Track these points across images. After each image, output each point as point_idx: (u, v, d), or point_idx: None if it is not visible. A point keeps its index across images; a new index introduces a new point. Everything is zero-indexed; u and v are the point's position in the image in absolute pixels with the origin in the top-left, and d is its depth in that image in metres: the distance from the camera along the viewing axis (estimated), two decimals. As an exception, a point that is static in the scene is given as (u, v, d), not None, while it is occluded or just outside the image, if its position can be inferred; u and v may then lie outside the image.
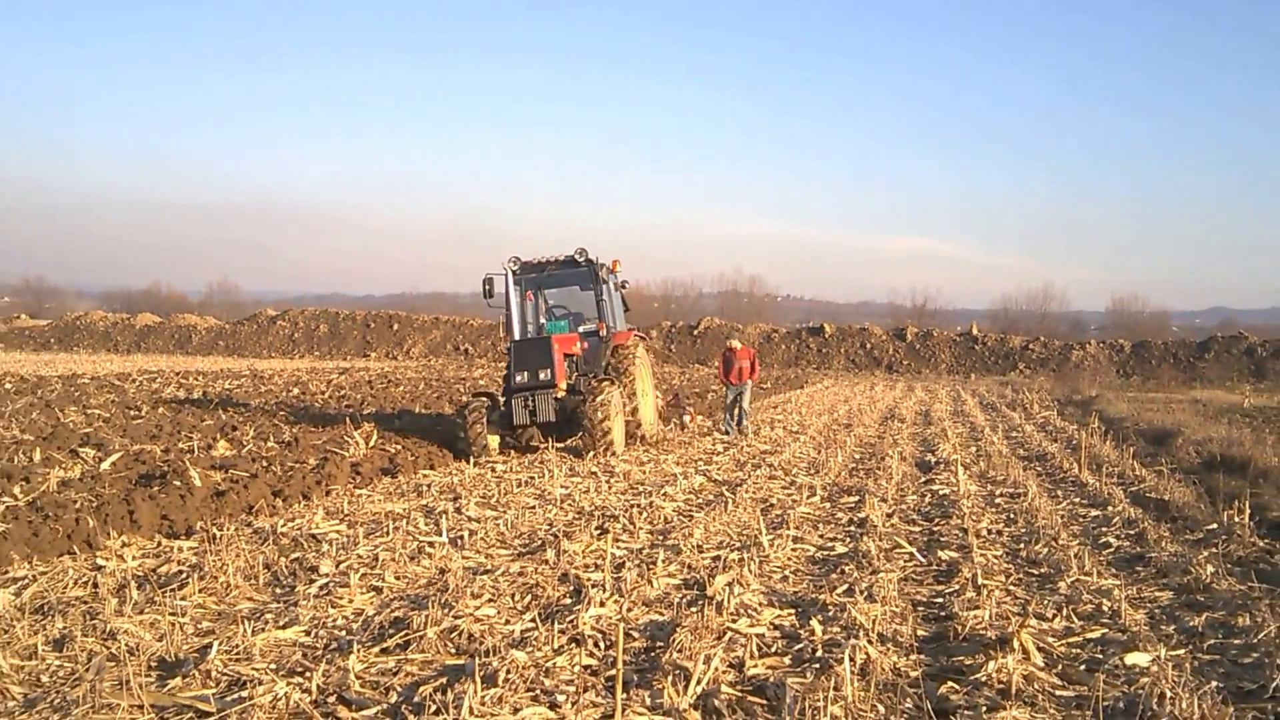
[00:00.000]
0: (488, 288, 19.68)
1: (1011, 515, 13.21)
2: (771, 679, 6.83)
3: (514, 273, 19.72)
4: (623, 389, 19.43)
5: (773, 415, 29.11)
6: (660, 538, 11.44)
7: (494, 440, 18.80)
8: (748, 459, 18.96)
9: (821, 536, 11.78)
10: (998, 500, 14.52)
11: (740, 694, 6.57)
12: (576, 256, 19.57)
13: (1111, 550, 11.23)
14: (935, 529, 12.29)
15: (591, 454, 18.07)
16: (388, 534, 11.16)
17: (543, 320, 21.13)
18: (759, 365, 24.32)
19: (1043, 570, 10.21)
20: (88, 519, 11.10)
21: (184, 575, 9.34)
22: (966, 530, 11.70)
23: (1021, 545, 11.37)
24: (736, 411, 22.83)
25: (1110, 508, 13.73)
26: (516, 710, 6.13)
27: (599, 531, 11.51)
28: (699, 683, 6.55)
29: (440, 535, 11.03)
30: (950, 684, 6.81)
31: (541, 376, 18.46)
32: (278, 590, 9.17)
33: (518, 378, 18.60)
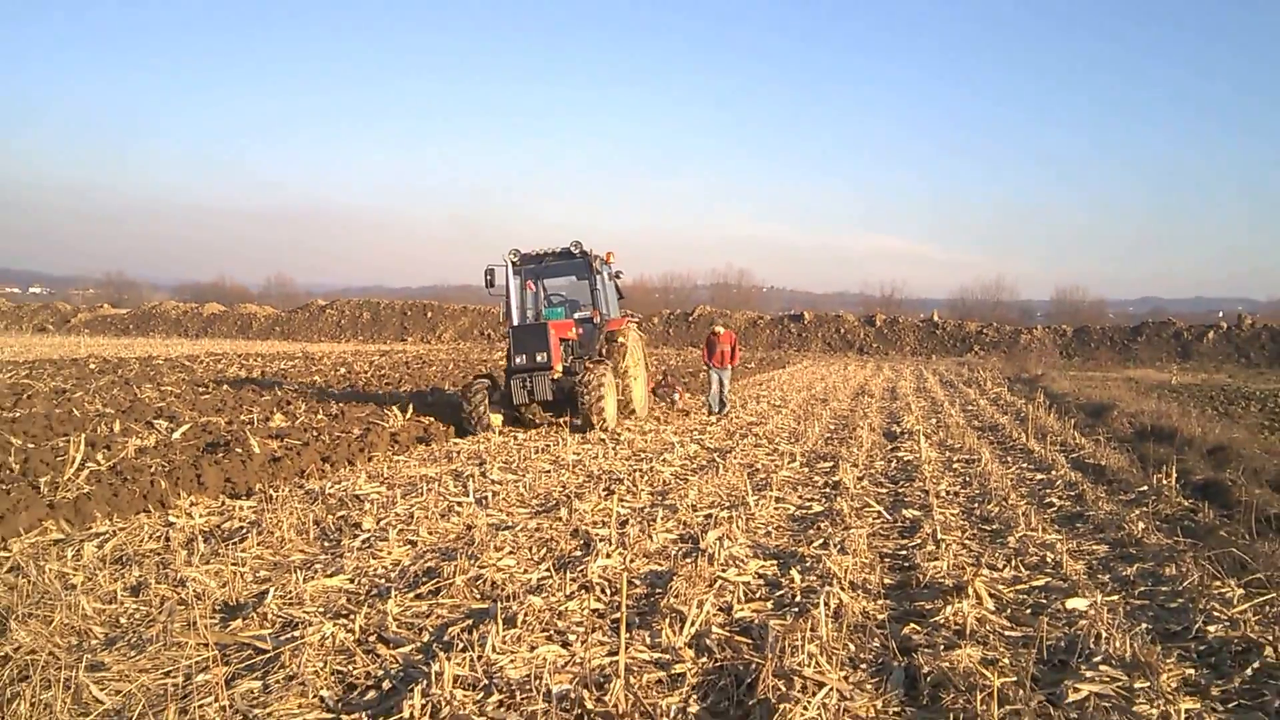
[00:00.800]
0: (489, 278, 18.95)
1: (967, 479, 13.18)
2: (756, 621, 6.82)
3: (513, 264, 19.04)
4: (615, 370, 18.76)
5: (758, 391, 29.06)
6: (660, 498, 11.40)
7: (496, 418, 18.14)
8: (736, 429, 18.89)
9: (800, 497, 11.74)
10: (955, 465, 14.49)
11: (729, 634, 6.54)
12: (572, 248, 19.00)
13: (1054, 509, 11.20)
14: (900, 490, 12.25)
15: (586, 429, 17.65)
16: (422, 495, 11.13)
17: (542, 307, 20.46)
18: (739, 349, 23.18)
19: (994, 527, 10.18)
20: (161, 481, 11.09)
21: (244, 531, 9.32)
22: (928, 492, 11.67)
23: (975, 505, 11.34)
24: (719, 391, 21.82)
25: (1053, 472, 13.72)
26: (533, 648, 6.11)
27: (606, 493, 11.48)
28: (693, 624, 6.53)
29: (467, 496, 11.00)
30: (913, 625, 6.79)
31: (539, 359, 17.89)
32: (325, 544, 9.15)
33: (517, 360, 18.01)
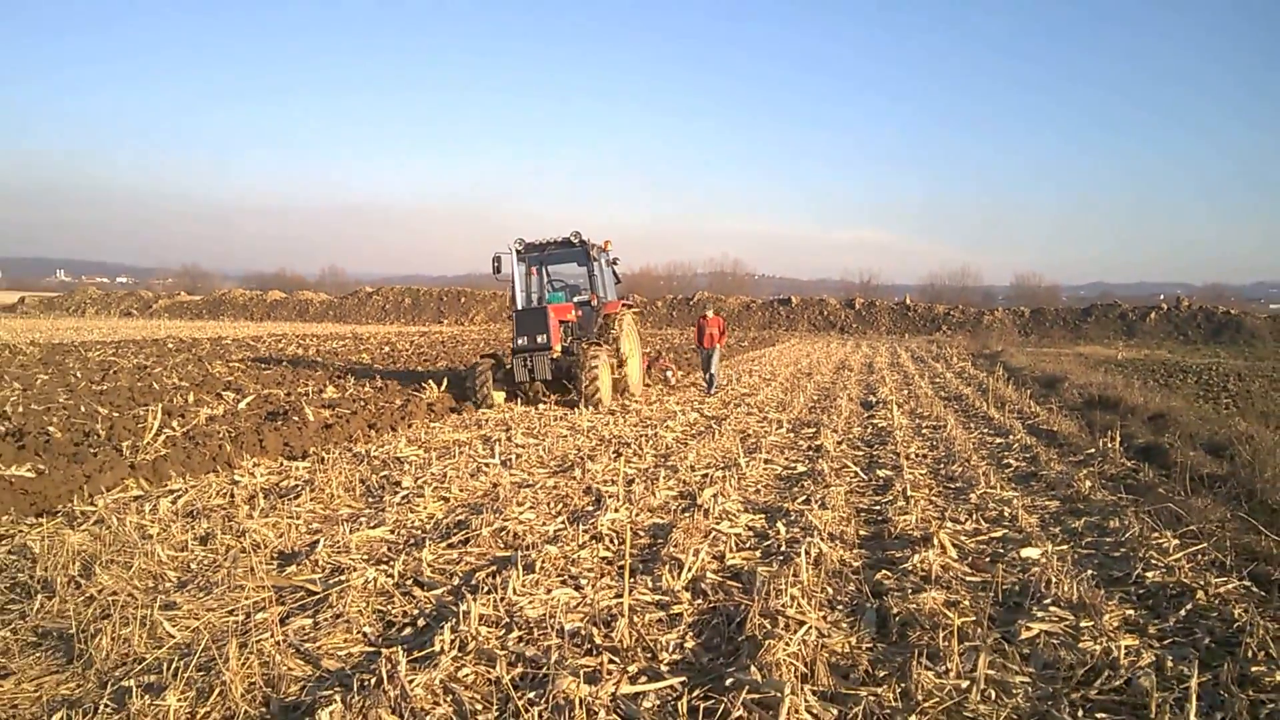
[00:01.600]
0: (496, 264, 17.98)
1: (934, 443, 13.09)
2: (745, 568, 6.79)
3: (518, 252, 18.33)
4: (611, 351, 18.09)
5: (750, 367, 28.92)
6: (663, 460, 11.35)
7: (498, 395, 17.50)
8: (731, 400, 18.80)
9: (786, 459, 11.66)
10: (923, 431, 14.39)
11: (721, 579, 6.52)
12: (572, 238, 18.22)
13: (1011, 469, 11.11)
14: (875, 453, 12.17)
15: (585, 406, 16.76)
16: (454, 457, 11.11)
17: (545, 292, 19.76)
18: (726, 332, 21.98)
19: (958, 485, 10.11)
20: (227, 445, 11.10)
21: (299, 488, 9.31)
22: (899, 454, 11.57)
23: (941, 466, 11.26)
24: (708, 370, 20.58)
25: (1011, 436, 13.62)
26: (549, 591, 6.10)
27: (615, 455, 11.43)
28: (689, 570, 6.51)
29: (494, 458, 10.97)
30: (884, 572, 6.75)
31: (539, 340, 17.18)
32: (370, 500, 9.13)
33: (519, 341, 17.31)
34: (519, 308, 18.12)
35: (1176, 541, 7.36)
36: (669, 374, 22.65)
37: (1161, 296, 75.46)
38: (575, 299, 19.48)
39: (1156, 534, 7.65)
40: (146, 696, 4.28)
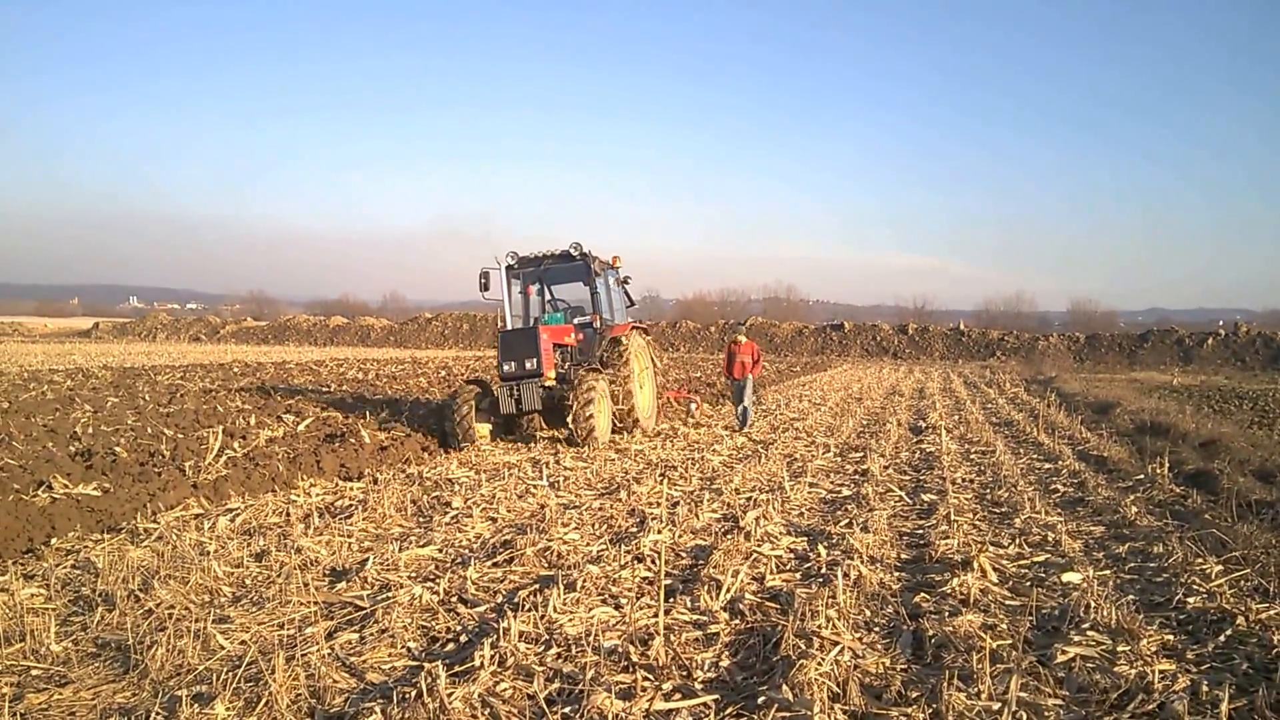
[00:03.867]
0: (484, 281, 15.81)
1: (981, 467, 12.98)
2: (785, 589, 6.79)
3: (510, 267, 16.07)
4: (614, 379, 15.77)
5: (801, 392, 28.81)
6: (708, 483, 11.37)
7: (483, 428, 15.20)
8: (780, 424, 18.74)
9: (832, 483, 11.64)
10: (972, 456, 14.27)
11: (760, 600, 6.53)
12: (571, 250, 15.77)
13: (1059, 495, 10.99)
14: (921, 478, 12.10)
15: (577, 443, 14.73)
16: (503, 479, 11.23)
17: (545, 313, 17.21)
18: (762, 360, 18.75)
19: (1003, 510, 10.01)
20: (285, 466, 11.33)
21: (352, 508, 9.47)
22: (945, 479, 11.51)
23: (988, 490, 11.16)
24: (742, 407, 17.88)
25: (1060, 462, 13.46)
26: (589, 610, 6.15)
27: (661, 478, 11.49)
28: (728, 591, 6.54)
29: (542, 480, 11.07)
30: (923, 594, 6.71)
31: (528, 366, 14.83)
32: (420, 519, 9.26)
33: (505, 367, 14.96)
34: (508, 329, 15.97)
35: (1220, 568, 7.24)
36: (693, 406, 20.47)
37: (1220, 323, 73.88)
38: (576, 320, 17.11)
39: (1200, 560, 7.52)
40: (196, 705, 4.41)
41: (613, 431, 15.70)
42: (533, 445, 15.14)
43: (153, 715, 4.34)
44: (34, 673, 5.13)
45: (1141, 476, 11.83)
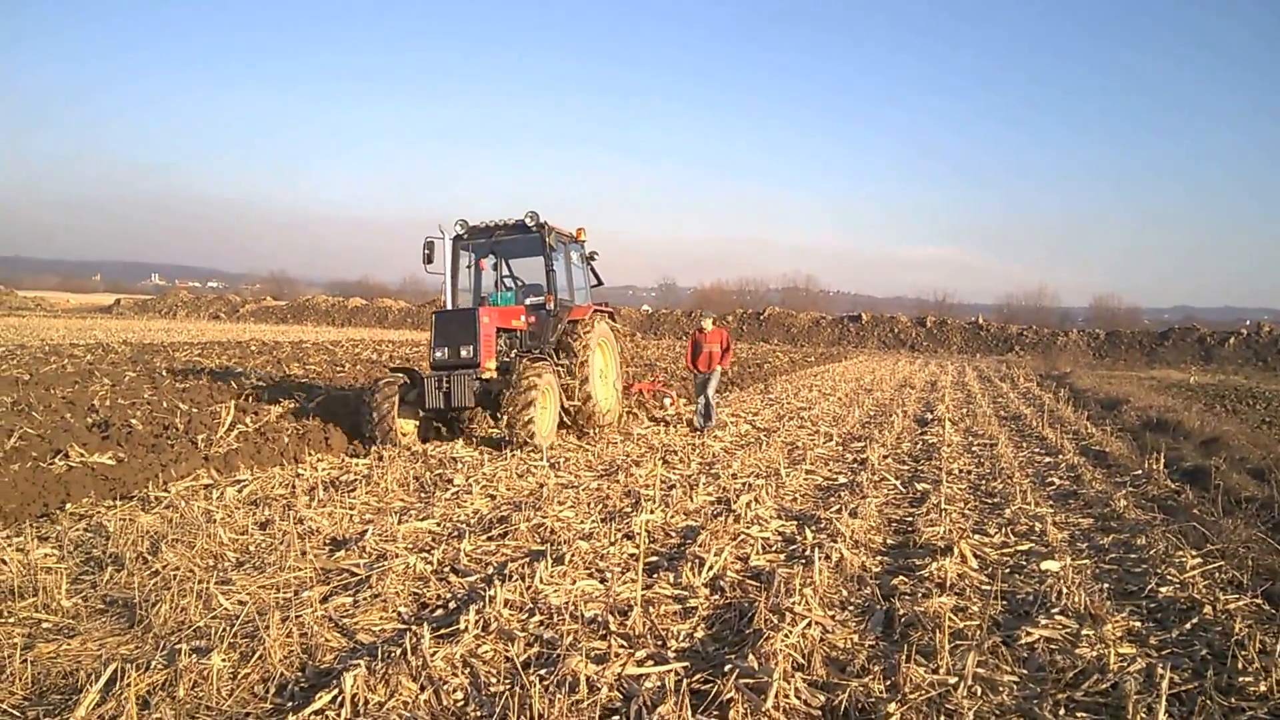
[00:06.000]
0: (427, 253, 13.80)
1: (981, 459, 13.15)
2: (768, 569, 7.04)
3: (458, 237, 14.24)
4: (569, 369, 13.86)
5: (812, 382, 28.92)
6: (707, 468, 11.60)
7: (408, 425, 13.10)
8: (787, 413, 18.92)
9: (829, 470, 11.86)
10: (974, 448, 14.43)
11: (742, 578, 6.78)
12: (526, 220, 13.78)
13: (1053, 487, 11.14)
14: (919, 468, 12.28)
15: (512, 444, 12.43)
16: (506, 459, 11.52)
17: (495, 292, 15.26)
18: (732, 350, 16.50)
19: (995, 500, 10.19)
20: (294, 442, 11.65)
21: (356, 482, 9.78)
22: (942, 469, 11.71)
23: (983, 481, 11.34)
24: (703, 402, 15.63)
25: (1060, 456, 13.60)
26: (574, 582, 6.43)
27: (661, 461, 11.74)
28: (710, 569, 6.79)
29: (543, 460, 11.36)
30: (901, 577, 6.93)
31: (463, 354, 12.86)
32: (421, 495, 9.56)
33: (436, 354, 13.07)
34: (448, 309, 14.14)
35: (1198, 560, 7.43)
36: (667, 401, 18.11)
37: (1248, 321, 73.42)
38: (528, 300, 15.07)
39: (1180, 552, 7.72)
40: (194, 656, 4.70)
41: (571, 430, 14.29)
42: (466, 441, 13.44)
43: (153, 664, 4.64)
44: (44, 625, 5.46)
45: (1139, 472, 11.98)
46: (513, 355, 13.67)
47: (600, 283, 16.28)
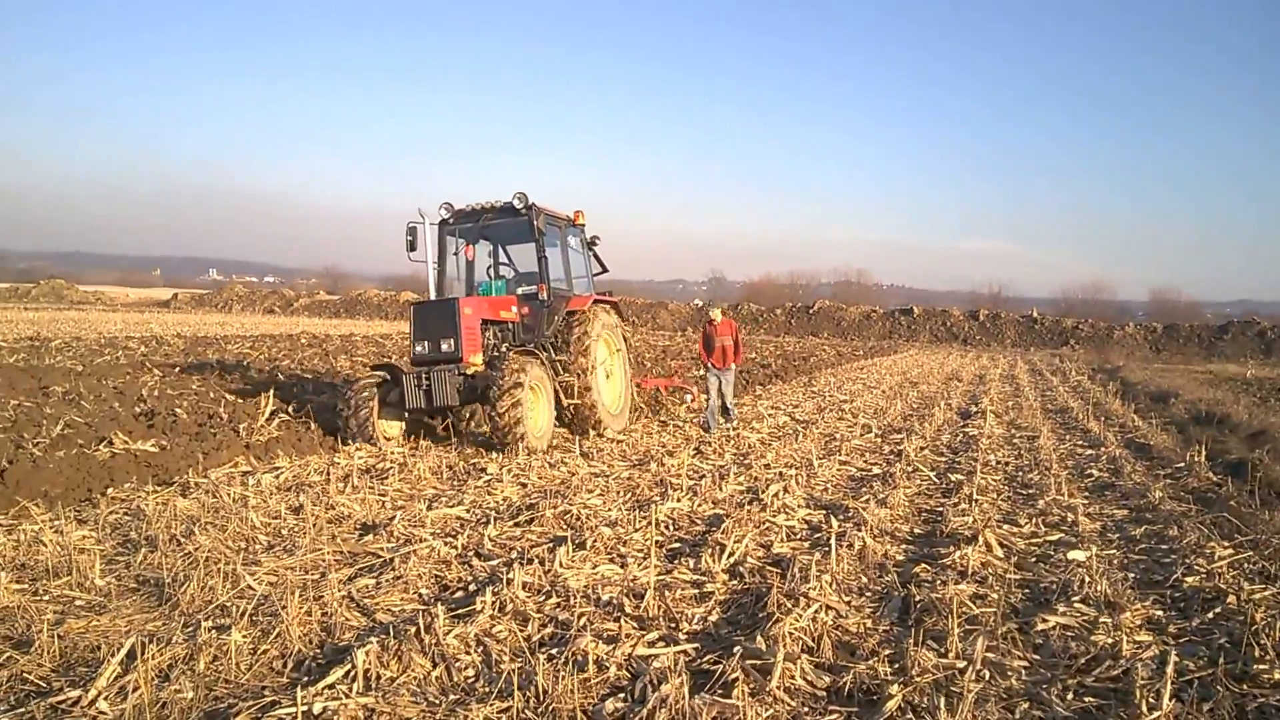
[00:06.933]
0: (411, 239, 12.93)
1: (1020, 451, 13.05)
2: (789, 556, 7.08)
3: (444, 222, 13.43)
4: (567, 366, 13.06)
5: (857, 375, 28.78)
6: (741, 458, 11.64)
7: (391, 425, 12.23)
8: (828, 406, 18.85)
9: (865, 461, 11.83)
10: (1015, 441, 14.30)
11: (762, 564, 6.83)
12: (515, 202, 12.81)
13: (1091, 479, 11.03)
14: (956, 459, 12.21)
15: (501, 447, 11.42)
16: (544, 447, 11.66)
17: (487, 280, 14.23)
18: (744, 344, 15.50)
19: (1029, 491, 10.12)
20: (334, 431, 11.88)
21: (391, 470, 9.98)
22: (978, 461, 11.64)
23: (1019, 473, 11.27)
24: (719, 400, 14.66)
25: (1102, 448, 13.43)
26: (595, 566, 6.53)
27: (694, 452, 11.80)
28: (730, 555, 6.85)
29: (575, 449, 11.47)
30: (923, 565, 6.95)
31: (444, 348, 11.98)
32: (454, 483, 9.73)
33: (416, 349, 12.23)
34: (432, 299, 13.27)
35: (1229, 550, 7.36)
36: (689, 398, 16.93)
37: (1312, 315, 71.67)
38: (520, 290, 13.96)
39: (1212, 543, 7.64)
40: (215, 632, 4.86)
41: (574, 431, 13.45)
42: (458, 444, 12.44)
43: (174, 638, 4.81)
44: (77, 602, 5.68)
45: (1181, 464, 11.83)
46: (504, 350, 12.61)
47: (605, 270, 15.25)
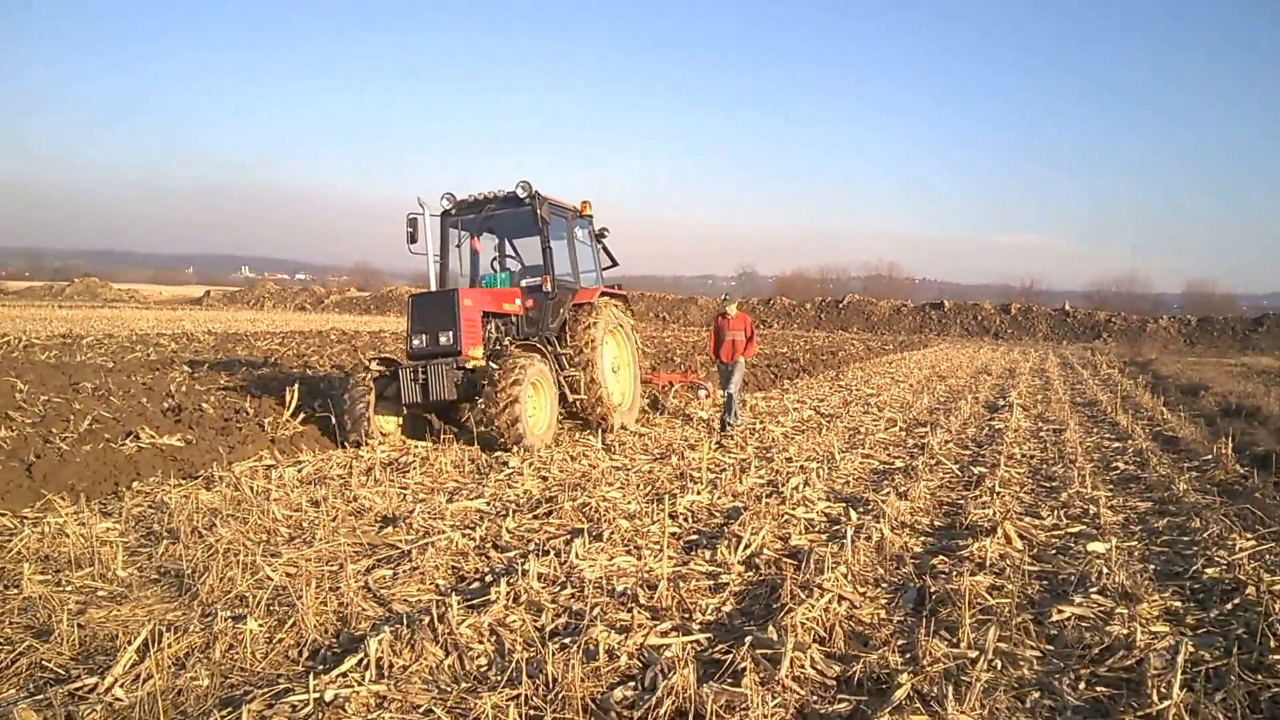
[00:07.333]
0: (411, 231, 12.64)
1: (1046, 445, 12.97)
2: (806, 548, 7.08)
3: (446, 213, 13.06)
4: (571, 359, 12.72)
5: (886, 369, 28.66)
6: (764, 451, 11.65)
7: (388, 421, 11.96)
8: (854, 399, 18.80)
9: (888, 455, 11.81)
10: (1041, 434, 14.20)
11: (779, 556, 6.84)
12: (518, 191, 12.38)
13: (1117, 472, 10.96)
14: (980, 452, 12.16)
15: (495, 446, 11.08)
16: (561, 443, 11.71)
17: (491, 272, 13.76)
18: (755, 338, 14.45)
19: (1053, 484, 10.07)
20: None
21: (413, 464, 10.05)
22: (1002, 453, 11.58)
23: (1044, 466, 11.21)
24: (731, 396, 13.85)
25: (1129, 441, 13.33)
26: (611, 557, 6.57)
27: (717, 445, 11.81)
28: (747, 547, 6.86)
29: (597, 443, 11.51)
30: (941, 557, 6.94)
31: (442, 341, 11.62)
32: (475, 476, 9.78)
33: (414, 342, 11.86)
34: (432, 291, 12.74)
35: (1250, 541, 7.29)
36: (703, 394, 16.07)
37: (1350, 307, 70.62)
38: (524, 283, 13.46)
39: (1234, 535, 7.57)
40: (231, 621, 4.94)
41: (585, 426, 13.11)
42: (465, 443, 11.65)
43: (191, 627, 4.89)
44: (99, 593, 5.78)
45: (1208, 457, 11.72)
46: (506, 344, 12.18)
47: (615, 263, 14.87)
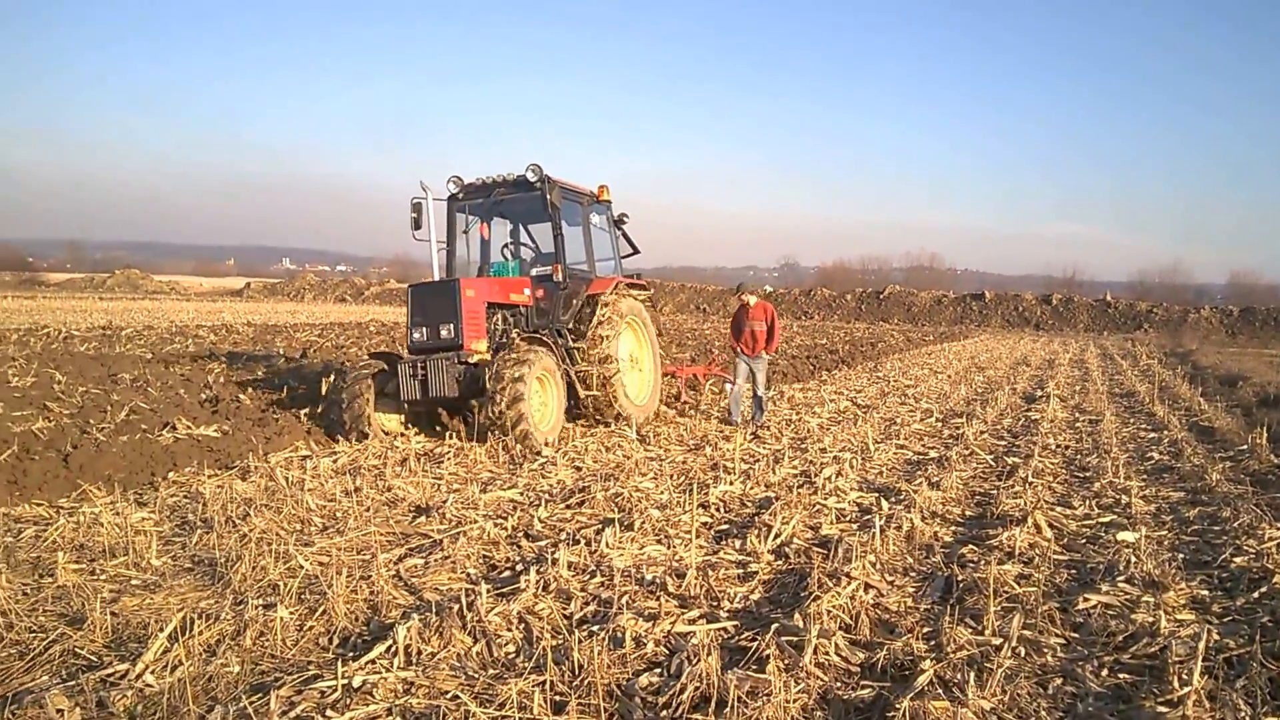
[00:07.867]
0: (415, 217, 12.01)
1: (1081, 435, 12.88)
2: (837, 537, 7.10)
3: (453, 197, 12.46)
4: (584, 353, 12.07)
5: (925, 360, 28.49)
6: (799, 442, 11.65)
7: (389, 418, 11.59)
8: (892, 390, 18.71)
9: (923, 445, 11.77)
10: (1077, 424, 14.10)
11: (809, 545, 6.86)
12: (528, 175, 11.72)
13: (1151, 462, 10.89)
14: (1015, 443, 12.08)
15: (499, 440, 10.53)
16: (596, 433, 11.77)
17: (502, 259, 13.09)
18: (779, 330, 13.79)
19: (1086, 474, 10.01)
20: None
21: (448, 454, 10.16)
22: (1036, 444, 11.51)
23: (1078, 456, 11.14)
24: (746, 388, 13.50)
25: (1165, 432, 13.21)
26: (642, 547, 6.63)
27: (752, 436, 11.83)
28: (778, 536, 6.90)
29: (631, 432, 11.56)
30: (971, 546, 6.94)
31: (443, 334, 11.12)
32: (510, 466, 9.86)
33: (414, 335, 11.38)
34: (435, 280, 12.19)
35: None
36: (728, 387, 14.80)
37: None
38: (534, 272, 12.88)
39: (1265, 524, 7.50)
40: (262, 609, 5.04)
41: (599, 422, 12.49)
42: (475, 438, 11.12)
43: (223, 615, 5.00)
44: (133, 581, 5.92)
45: (1244, 446, 11.59)
46: (513, 336, 11.52)
47: (636, 251, 14.01)
